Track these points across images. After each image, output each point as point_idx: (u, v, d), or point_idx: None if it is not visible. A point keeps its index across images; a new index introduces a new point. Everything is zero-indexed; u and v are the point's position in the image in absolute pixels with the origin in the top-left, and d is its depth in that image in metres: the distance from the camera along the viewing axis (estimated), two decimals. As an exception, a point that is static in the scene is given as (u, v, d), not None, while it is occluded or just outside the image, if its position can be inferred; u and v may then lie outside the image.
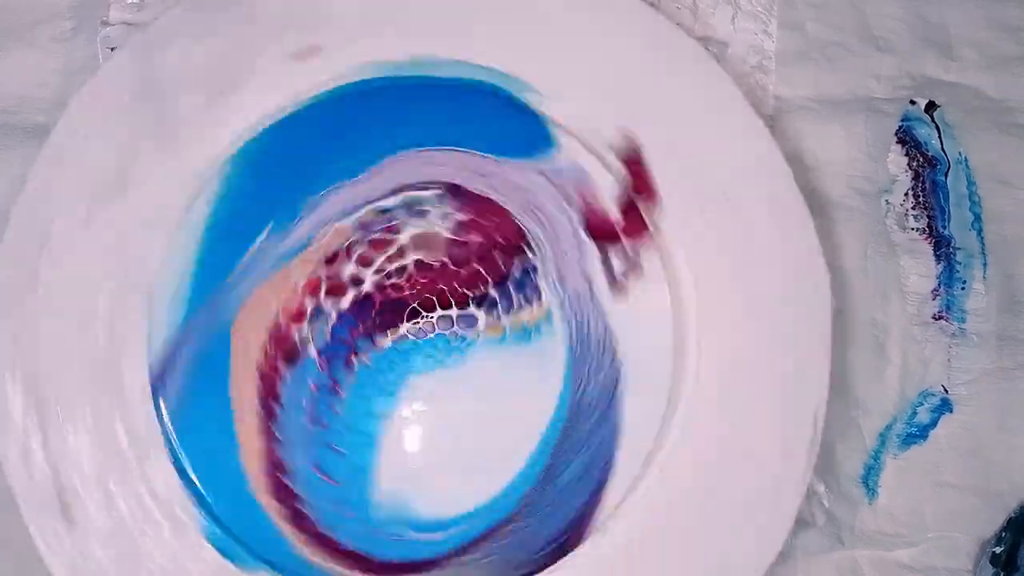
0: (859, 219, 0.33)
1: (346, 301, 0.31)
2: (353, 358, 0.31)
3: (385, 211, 0.31)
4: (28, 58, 0.33)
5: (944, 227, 0.34)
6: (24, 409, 0.30)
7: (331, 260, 0.31)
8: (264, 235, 0.31)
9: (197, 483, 0.30)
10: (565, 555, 0.30)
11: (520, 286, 0.31)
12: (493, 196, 0.31)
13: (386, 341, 0.31)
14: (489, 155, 0.31)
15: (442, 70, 0.31)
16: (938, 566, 0.32)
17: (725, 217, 0.31)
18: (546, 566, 0.30)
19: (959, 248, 0.33)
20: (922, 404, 0.33)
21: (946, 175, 0.34)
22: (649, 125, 0.31)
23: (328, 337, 0.31)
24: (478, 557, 0.30)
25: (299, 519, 0.30)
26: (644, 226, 0.31)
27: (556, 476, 0.30)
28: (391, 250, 0.31)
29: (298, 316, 0.31)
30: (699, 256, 0.31)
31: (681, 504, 0.30)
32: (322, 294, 0.31)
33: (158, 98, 0.31)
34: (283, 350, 0.31)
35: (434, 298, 0.31)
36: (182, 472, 0.30)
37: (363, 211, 0.31)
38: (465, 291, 0.31)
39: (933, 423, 0.33)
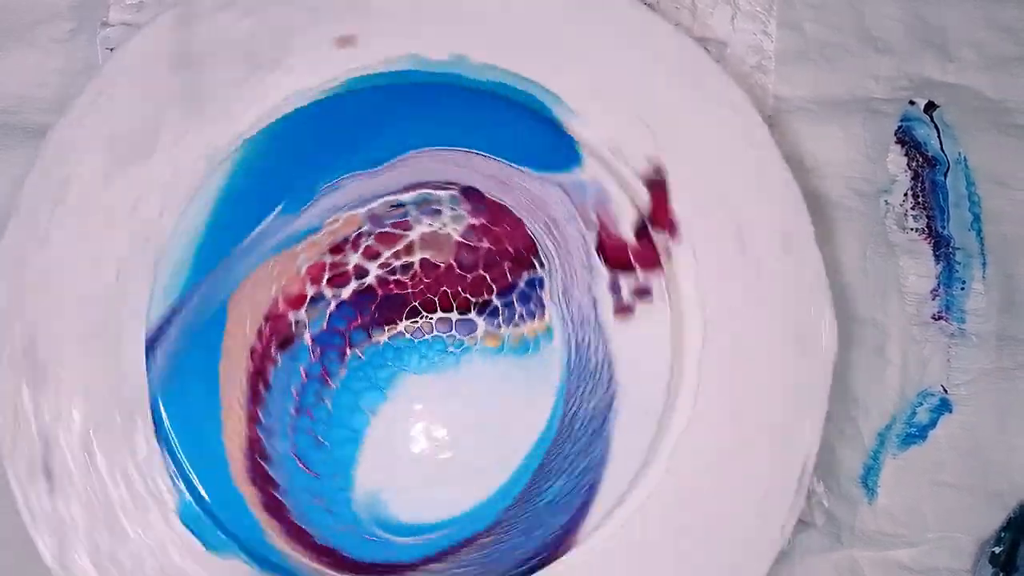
0: (858, 220, 0.33)
1: (347, 291, 0.31)
2: (347, 350, 0.31)
3: (398, 206, 0.31)
4: (28, 58, 0.33)
5: (943, 227, 0.34)
6: (17, 368, 0.30)
7: (338, 249, 0.31)
8: (275, 214, 0.31)
9: (179, 454, 0.30)
10: (544, 567, 0.30)
11: (524, 299, 0.31)
12: (509, 204, 0.31)
13: (382, 336, 0.31)
14: (511, 163, 0.31)
15: (477, 73, 0.31)
16: (938, 566, 0.32)
17: (737, 255, 0.31)
18: None
19: (958, 248, 0.33)
20: (921, 404, 0.33)
21: (945, 175, 0.34)
22: (675, 153, 0.31)
23: (325, 324, 0.31)
24: (453, 566, 0.30)
25: (275, 508, 0.30)
26: (657, 254, 0.31)
27: (538, 494, 0.30)
28: (399, 246, 0.31)
29: (298, 300, 0.31)
30: (707, 288, 0.31)
31: (676, 510, 0.30)
32: (324, 281, 0.31)
33: (195, 68, 0.30)
34: (277, 333, 0.30)
35: (435, 299, 0.31)
36: (165, 442, 0.30)
37: (376, 203, 0.31)
38: (468, 296, 0.31)
39: (932, 423, 0.33)
